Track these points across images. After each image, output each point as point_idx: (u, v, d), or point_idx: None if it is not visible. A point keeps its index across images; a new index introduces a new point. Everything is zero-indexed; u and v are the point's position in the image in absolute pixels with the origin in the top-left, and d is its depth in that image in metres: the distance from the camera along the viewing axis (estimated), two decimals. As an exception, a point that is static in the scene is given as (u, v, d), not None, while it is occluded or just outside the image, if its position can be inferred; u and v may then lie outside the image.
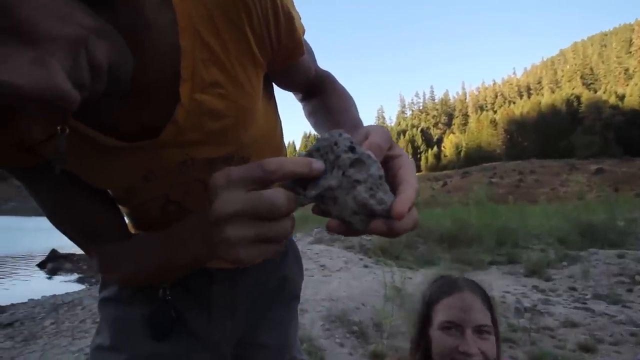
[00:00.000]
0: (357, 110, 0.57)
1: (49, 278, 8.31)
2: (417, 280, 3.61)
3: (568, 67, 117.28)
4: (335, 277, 3.86)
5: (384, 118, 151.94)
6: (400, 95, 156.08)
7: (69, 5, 0.27)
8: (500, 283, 3.80)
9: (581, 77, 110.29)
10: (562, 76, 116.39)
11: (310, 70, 0.56)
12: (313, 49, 0.58)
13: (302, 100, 0.64)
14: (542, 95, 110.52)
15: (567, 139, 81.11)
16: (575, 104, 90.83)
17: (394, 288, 3.09)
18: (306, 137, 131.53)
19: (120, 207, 0.52)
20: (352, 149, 0.32)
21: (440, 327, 0.80)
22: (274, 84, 0.55)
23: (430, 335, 0.83)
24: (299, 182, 0.33)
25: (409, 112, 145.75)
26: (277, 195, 0.29)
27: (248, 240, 0.29)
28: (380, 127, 0.38)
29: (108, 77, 0.32)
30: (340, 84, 0.61)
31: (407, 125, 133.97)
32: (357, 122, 0.54)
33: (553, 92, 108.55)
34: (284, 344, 0.68)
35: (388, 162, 0.35)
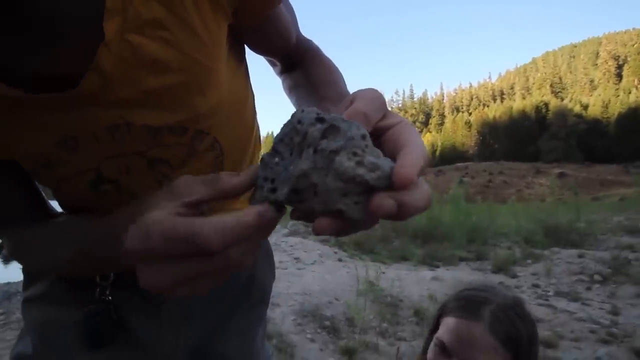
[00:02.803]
0: (345, 84, 0.48)
1: (5, 264, 7.80)
2: (390, 275, 3.63)
3: (539, 75, 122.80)
4: (309, 271, 3.81)
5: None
6: (380, 91, 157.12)
7: None
8: (469, 279, 3.89)
9: (550, 86, 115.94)
10: (533, 83, 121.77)
11: (290, 32, 0.47)
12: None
13: (281, 73, 0.55)
14: (514, 100, 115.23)
15: (534, 143, 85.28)
16: (543, 110, 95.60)
17: (368, 282, 3.09)
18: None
19: (37, 182, 0.41)
20: (320, 119, 0.24)
21: (435, 341, 0.71)
22: (246, 47, 0.46)
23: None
24: (266, 180, 0.25)
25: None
26: (239, 264, 0.24)
27: (182, 283, 0.24)
28: (371, 91, 0.29)
29: None
30: (325, 55, 0.52)
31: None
32: (347, 95, 0.45)
33: (524, 98, 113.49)
34: (248, 353, 0.59)
35: (383, 134, 0.27)
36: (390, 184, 0.22)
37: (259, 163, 0.27)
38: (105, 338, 0.46)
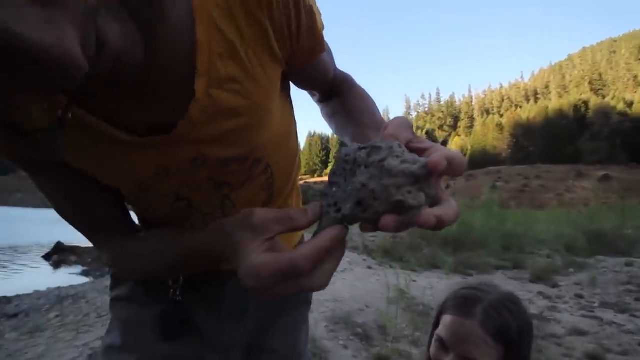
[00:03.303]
0: (378, 111, 0.55)
1: (54, 270, 8.39)
2: (421, 283, 3.59)
3: (576, 72, 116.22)
4: (339, 278, 3.84)
5: (388, 119, 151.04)
6: (405, 96, 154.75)
7: None
8: (505, 288, 3.76)
9: (589, 83, 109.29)
10: (570, 81, 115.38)
11: (329, 70, 0.54)
12: None
13: (319, 101, 0.62)
14: (550, 100, 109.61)
15: (573, 144, 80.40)
16: (583, 109, 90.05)
17: (398, 290, 3.08)
18: (310, 137, 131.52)
19: (129, 204, 0.50)
20: (362, 147, 0.31)
21: (436, 337, 0.79)
22: (291, 83, 0.53)
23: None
24: (329, 206, 0.32)
25: (414, 114, 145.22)
26: (324, 283, 0.31)
27: (282, 296, 0.32)
28: (400, 118, 0.37)
29: (114, 62, 0.29)
30: (359, 85, 0.59)
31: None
32: (380, 124, 0.51)
33: (561, 97, 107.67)
34: (293, 349, 0.66)
35: (421, 155, 0.33)
36: (429, 171, 0.28)
37: (318, 200, 0.34)
38: (177, 332, 0.55)
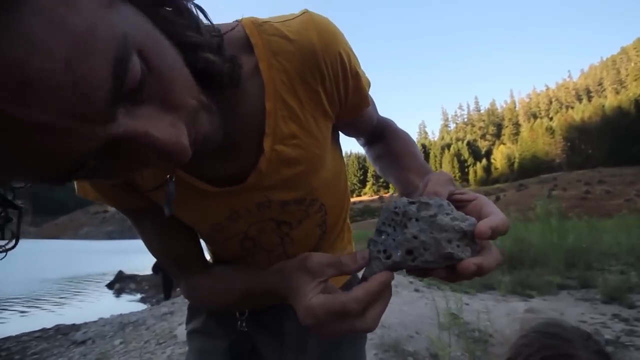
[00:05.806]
0: (420, 153, 0.59)
1: (116, 297, 9.04)
2: (475, 306, 3.35)
3: (632, 64, 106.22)
4: (385, 302, 3.71)
5: (425, 133, 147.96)
6: (442, 108, 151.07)
7: (193, 82, 0.34)
8: (574, 311, 3.39)
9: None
10: (627, 75, 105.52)
11: (373, 119, 0.59)
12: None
13: (364, 145, 0.67)
14: (605, 97, 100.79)
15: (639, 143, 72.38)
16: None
17: (450, 315, 2.90)
18: (347, 157, 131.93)
19: (205, 243, 0.58)
20: (412, 202, 0.35)
21: None
22: (339, 132, 0.59)
23: None
24: (379, 252, 0.35)
25: (452, 126, 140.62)
26: (373, 325, 0.34)
27: (339, 335, 0.35)
28: (440, 173, 0.41)
29: (202, 143, 0.36)
30: (401, 129, 0.64)
31: (451, 139, 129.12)
32: (425, 167, 0.55)
33: (618, 93, 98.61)
34: None
35: (464, 207, 0.37)
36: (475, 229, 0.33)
37: (366, 248, 0.37)
38: None
